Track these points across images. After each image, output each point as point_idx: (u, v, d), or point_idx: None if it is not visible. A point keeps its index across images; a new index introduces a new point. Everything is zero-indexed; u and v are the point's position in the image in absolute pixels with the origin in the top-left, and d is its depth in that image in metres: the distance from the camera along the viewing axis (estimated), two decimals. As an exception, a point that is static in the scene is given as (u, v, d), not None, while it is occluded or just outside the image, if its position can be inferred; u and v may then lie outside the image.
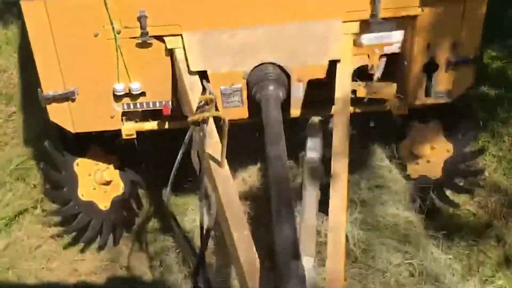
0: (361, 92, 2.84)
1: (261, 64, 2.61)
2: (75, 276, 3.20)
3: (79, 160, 2.99)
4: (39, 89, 2.55)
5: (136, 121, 2.82)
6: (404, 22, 2.66)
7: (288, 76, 2.65)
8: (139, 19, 2.45)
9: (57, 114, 2.62)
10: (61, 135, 2.85)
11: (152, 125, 2.84)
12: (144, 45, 2.54)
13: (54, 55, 2.48)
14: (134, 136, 2.81)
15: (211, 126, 2.24)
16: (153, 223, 3.36)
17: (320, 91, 2.69)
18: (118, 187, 3.18)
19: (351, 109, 2.69)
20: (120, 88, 2.61)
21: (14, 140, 3.95)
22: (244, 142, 3.35)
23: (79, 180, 3.00)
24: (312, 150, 2.61)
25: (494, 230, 3.14)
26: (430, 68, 2.75)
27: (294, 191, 2.90)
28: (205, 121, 2.20)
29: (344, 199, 2.05)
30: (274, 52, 2.60)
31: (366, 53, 2.75)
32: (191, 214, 3.30)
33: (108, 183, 3.09)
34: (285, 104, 2.65)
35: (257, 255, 1.77)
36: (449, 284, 2.86)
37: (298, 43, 2.60)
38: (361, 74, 2.83)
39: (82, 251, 3.27)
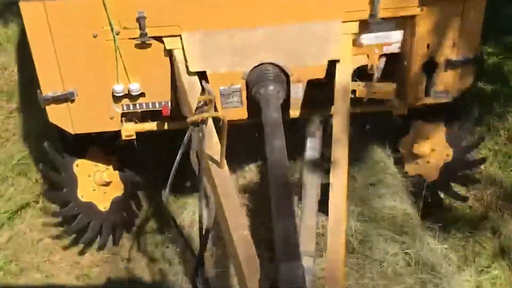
0: (361, 92, 2.84)
1: (261, 64, 2.61)
2: (77, 268, 3.23)
3: (78, 161, 2.98)
4: (38, 90, 2.55)
5: (136, 122, 2.82)
6: (403, 22, 2.66)
7: (287, 76, 2.65)
8: (138, 20, 2.45)
9: (57, 115, 2.62)
10: (61, 136, 2.85)
11: (151, 125, 2.84)
12: (143, 46, 2.54)
13: (53, 56, 2.48)
14: (134, 137, 2.81)
15: (210, 127, 2.24)
16: (153, 224, 3.36)
17: (320, 91, 2.68)
18: (118, 188, 3.17)
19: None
20: (119, 89, 2.61)
21: (16, 136, 4.00)
22: (243, 142, 3.37)
23: (78, 181, 3.00)
24: (312, 150, 2.61)
25: (489, 222, 3.18)
26: (430, 68, 2.75)
27: (293, 191, 2.91)
28: (204, 121, 2.20)
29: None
30: (273, 52, 2.60)
31: (366, 53, 2.75)
32: (190, 207, 3.33)
33: (107, 184, 3.09)
34: (285, 105, 2.65)
35: (256, 255, 1.77)
36: (445, 273, 2.91)
37: (298, 43, 2.59)
38: (361, 74, 2.83)
39: (82, 252, 3.27)
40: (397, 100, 2.87)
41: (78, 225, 3.08)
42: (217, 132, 2.21)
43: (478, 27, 2.66)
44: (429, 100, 2.82)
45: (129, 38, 2.51)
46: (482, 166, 2.99)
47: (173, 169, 2.18)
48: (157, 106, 2.71)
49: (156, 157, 3.38)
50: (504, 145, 3.64)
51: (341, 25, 2.59)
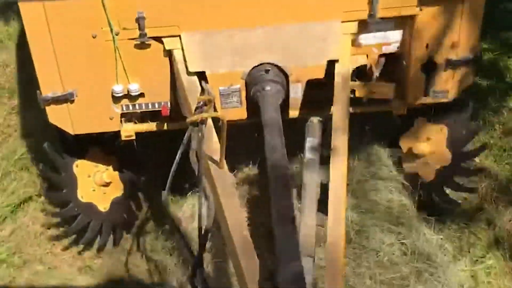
0: (360, 92, 2.84)
1: (260, 64, 2.61)
2: (79, 260, 3.27)
3: (78, 161, 2.99)
4: (38, 91, 2.55)
5: (135, 122, 2.83)
6: (402, 22, 2.66)
7: (286, 76, 2.65)
8: (137, 20, 2.45)
9: (56, 116, 2.63)
10: (61, 136, 2.86)
11: (151, 126, 2.84)
12: (142, 46, 2.54)
13: (53, 56, 2.48)
14: (133, 137, 2.81)
15: (209, 127, 2.24)
16: (152, 224, 3.36)
17: (319, 91, 2.69)
18: (118, 189, 3.18)
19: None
20: (119, 89, 2.61)
21: (18, 132, 4.06)
22: (243, 142, 3.37)
23: (78, 182, 3.01)
24: (311, 150, 2.61)
25: (484, 213, 3.23)
26: (429, 67, 2.75)
27: (293, 191, 2.90)
28: (203, 121, 2.19)
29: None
30: (272, 52, 2.60)
31: (365, 53, 2.76)
32: (189, 207, 3.34)
33: (107, 184, 3.10)
34: (284, 105, 2.65)
35: (256, 256, 1.77)
36: (441, 263, 2.96)
37: (297, 43, 2.60)
38: (360, 74, 2.83)
39: (81, 253, 3.27)
40: (396, 100, 2.87)
41: (78, 225, 3.08)
42: (216, 132, 2.21)
43: (477, 27, 2.67)
44: (428, 100, 2.82)
45: (129, 39, 2.51)
46: (477, 159, 3.03)
47: (172, 169, 2.18)
48: (156, 106, 2.72)
49: (155, 157, 3.39)
50: (499, 139, 3.71)
51: (340, 25, 2.59)
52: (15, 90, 4.45)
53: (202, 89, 2.54)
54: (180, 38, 2.54)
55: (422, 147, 3.14)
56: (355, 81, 2.83)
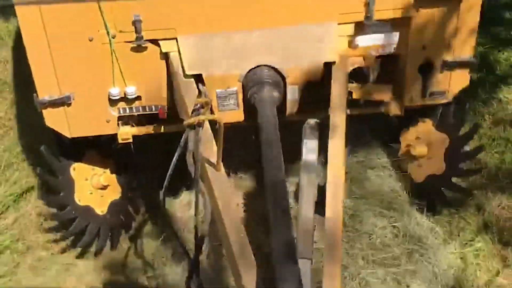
0: (357, 94, 2.84)
1: (257, 66, 2.61)
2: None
3: (75, 164, 2.98)
4: (34, 94, 2.55)
5: (132, 125, 2.82)
6: (399, 24, 2.66)
7: (283, 79, 2.65)
8: (133, 23, 2.45)
9: (53, 119, 2.62)
10: (57, 139, 2.85)
11: (148, 129, 2.84)
12: (139, 49, 2.54)
13: (49, 60, 2.48)
14: (130, 140, 2.81)
15: (206, 129, 2.24)
16: (150, 226, 3.36)
17: (316, 93, 2.69)
18: (115, 191, 3.17)
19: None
20: (115, 92, 2.61)
21: (19, 124, 4.15)
22: (240, 144, 3.40)
23: (75, 185, 3.00)
24: (309, 152, 2.61)
25: (474, 200, 3.33)
26: (426, 69, 2.75)
27: (290, 193, 2.91)
28: (200, 124, 2.20)
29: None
30: (269, 54, 2.60)
31: (362, 54, 2.76)
32: (187, 209, 3.36)
33: (105, 187, 3.09)
34: (281, 107, 2.65)
35: (253, 258, 1.78)
36: (431, 245, 3.09)
37: (293, 45, 2.60)
38: (357, 76, 2.83)
39: (79, 256, 3.27)
40: (393, 102, 2.87)
41: (75, 228, 3.07)
42: (213, 135, 2.21)
43: (474, 28, 2.67)
44: (425, 101, 2.83)
45: (125, 42, 2.51)
46: (468, 148, 3.10)
47: (169, 172, 2.18)
48: (153, 109, 2.71)
49: (153, 160, 3.39)
50: (489, 129, 3.86)
51: (337, 27, 2.60)
52: (16, 85, 4.53)
53: (199, 92, 2.54)
54: (177, 41, 2.53)
55: (421, 149, 3.15)
56: (352, 83, 2.83)
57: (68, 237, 3.24)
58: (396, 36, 2.72)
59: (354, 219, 3.23)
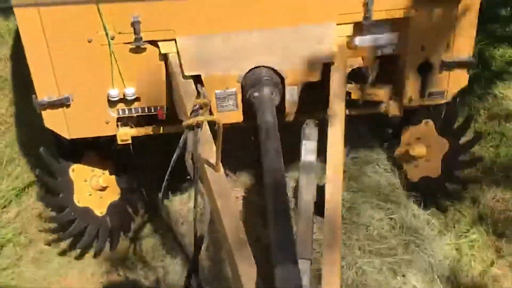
0: (356, 95, 2.85)
1: (256, 67, 2.61)
2: None
3: (74, 166, 2.98)
4: (33, 96, 2.55)
5: (131, 127, 2.82)
6: (397, 24, 2.67)
7: (282, 79, 2.65)
8: (132, 24, 2.45)
9: (52, 120, 2.62)
10: (57, 141, 2.85)
11: (147, 130, 2.84)
12: (138, 50, 2.54)
13: (48, 61, 2.48)
14: (130, 141, 2.81)
15: (205, 130, 2.24)
16: (149, 227, 3.36)
17: (315, 94, 2.69)
18: (114, 193, 3.17)
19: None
20: (114, 93, 2.61)
21: (20, 121, 4.19)
22: (239, 145, 3.41)
23: (75, 186, 2.99)
24: (307, 153, 2.61)
25: (469, 192, 3.39)
26: (425, 69, 2.75)
27: (289, 194, 2.91)
28: (199, 125, 2.20)
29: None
30: (268, 55, 2.60)
31: (360, 55, 2.76)
32: (185, 210, 3.34)
33: (104, 188, 3.09)
34: (280, 107, 2.65)
35: (253, 258, 1.77)
36: (427, 236, 3.17)
37: (292, 46, 2.60)
38: (356, 76, 2.84)
39: (79, 258, 3.27)
40: (392, 102, 2.88)
41: (74, 230, 3.07)
42: (213, 136, 2.21)
43: (472, 28, 2.68)
44: (424, 101, 2.83)
45: (124, 43, 2.51)
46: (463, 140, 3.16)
47: (168, 173, 2.18)
48: (152, 110, 2.71)
49: (152, 161, 3.39)
50: (484, 124, 3.95)
51: (335, 27, 2.60)
52: (15, 84, 4.56)
53: (198, 93, 2.53)
54: (176, 42, 2.54)
55: (420, 150, 3.15)
56: (351, 83, 2.83)
57: (67, 239, 3.24)
58: (395, 36, 2.72)
59: (351, 212, 3.30)
